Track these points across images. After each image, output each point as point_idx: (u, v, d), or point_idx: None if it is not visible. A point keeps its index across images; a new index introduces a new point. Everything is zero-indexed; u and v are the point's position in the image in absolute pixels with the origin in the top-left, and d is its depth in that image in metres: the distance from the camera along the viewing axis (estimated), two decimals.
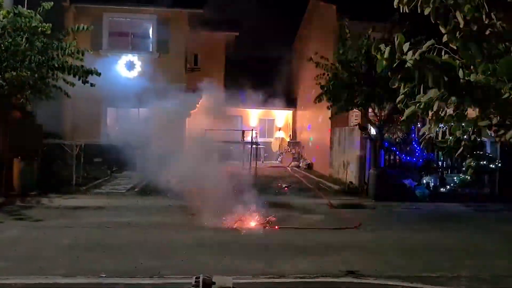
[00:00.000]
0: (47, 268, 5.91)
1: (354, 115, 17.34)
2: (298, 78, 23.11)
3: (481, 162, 12.58)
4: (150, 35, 18.51)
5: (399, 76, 2.95)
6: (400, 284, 5.63)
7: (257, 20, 22.57)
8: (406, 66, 2.92)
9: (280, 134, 24.31)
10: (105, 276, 5.64)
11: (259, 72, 22.10)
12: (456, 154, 3.62)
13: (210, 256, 6.76)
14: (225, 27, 21.74)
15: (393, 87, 3.14)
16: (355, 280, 5.75)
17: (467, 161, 3.70)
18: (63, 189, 12.08)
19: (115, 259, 6.46)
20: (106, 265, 6.13)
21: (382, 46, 2.93)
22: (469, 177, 12.99)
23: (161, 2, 16.99)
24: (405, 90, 3.86)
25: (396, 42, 2.89)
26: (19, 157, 11.52)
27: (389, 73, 2.99)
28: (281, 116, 24.73)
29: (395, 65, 2.91)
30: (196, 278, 5.06)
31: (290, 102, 23.39)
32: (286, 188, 13.73)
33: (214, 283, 4.87)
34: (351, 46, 12.12)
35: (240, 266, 6.29)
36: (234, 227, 8.79)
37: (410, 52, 3.00)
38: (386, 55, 2.89)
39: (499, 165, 12.87)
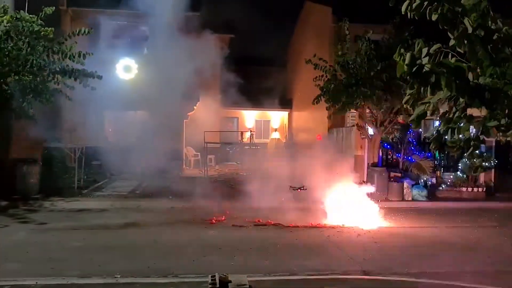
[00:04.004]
0: (61, 269, 6.01)
1: (350, 116, 17.56)
2: (293, 79, 23.31)
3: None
4: (147, 38, 18.60)
5: (418, 79, 3.12)
6: (408, 280, 5.82)
7: (252, 22, 22.70)
8: (423, 71, 3.10)
9: (276, 135, 24.48)
10: (120, 276, 5.76)
11: (254, 73, 22.24)
12: (468, 153, 3.79)
13: (219, 256, 6.89)
14: (221, 29, 21.83)
15: (411, 90, 3.31)
16: (365, 277, 5.92)
17: (477, 161, 3.88)
18: (65, 192, 12.16)
19: (127, 260, 6.57)
20: (119, 265, 6.24)
21: (403, 51, 3.10)
22: (465, 176, 13.27)
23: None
24: (412, 91, 4.05)
25: (417, 48, 3.06)
26: (21, 161, 11.57)
27: (408, 77, 3.16)
28: (277, 117, 24.92)
29: (414, 69, 3.08)
30: (212, 276, 5.20)
31: (286, 103, 23.58)
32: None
33: (230, 281, 5.03)
34: (349, 47, 12.34)
35: (250, 264, 6.43)
36: (239, 226, 8.93)
37: (427, 58, 3.18)
38: (407, 60, 3.06)
39: (494, 163, 13.12)
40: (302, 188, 11.38)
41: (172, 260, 6.61)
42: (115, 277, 5.76)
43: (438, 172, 13.79)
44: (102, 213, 10.14)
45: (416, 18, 3.74)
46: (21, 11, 10.77)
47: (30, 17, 10.67)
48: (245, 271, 5.92)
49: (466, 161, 12.54)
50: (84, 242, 7.53)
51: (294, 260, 6.70)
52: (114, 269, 6.05)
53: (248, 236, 8.27)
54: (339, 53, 12.37)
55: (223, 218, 9.56)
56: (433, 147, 4.29)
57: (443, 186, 13.30)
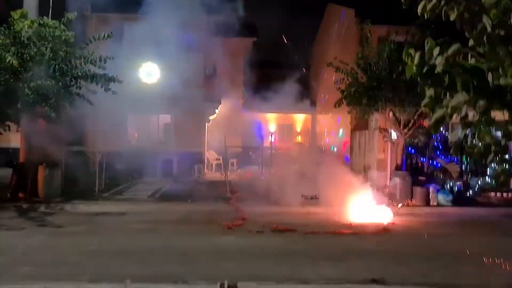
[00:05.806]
0: (73, 274, 5.98)
1: (374, 119, 17.18)
2: (317, 82, 23.06)
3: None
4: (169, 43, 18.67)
5: (429, 81, 2.91)
6: None
7: (275, 25, 22.62)
8: (436, 71, 2.89)
9: (299, 139, 24.26)
10: (130, 282, 5.68)
11: (277, 76, 22.10)
12: (488, 160, 3.54)
13: (233, 262, 6.74)
14: (244, 32, 21.78)
15: (424, 92, 3.10)
16: (383, 287, 5.67)
17: (498, 168, 3.62)
18: (86, 195, 12.30)
19: (140, 265, 6.50)
20: (131, 270, 6.16)
21: (411, 51, 2.90)
22: (494, 182, 12.76)
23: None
24: (431, 94, 3.81)
25: (426, 47, 2.86)
26: (44, 164, 11.75)
27: (418, 78, 2.96)
28: (300, 120, 24.69)
29: (425, 70, 2.87)
30: (221, 284, 5.12)
31: (309, 106, 23.31)
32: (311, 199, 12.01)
33: None
34: (371, 49, 12.07)
35: (264, 271, 6.27)
36: (256, 231, 8.78)
37: (440, 57, 2.97)
38: (416, 61, 2.85)
39: None
40: (315, 197, 11.12)
41: (185, 265, 6.51)
42: (125, 282, 5.68)
43: (466, 176, 13.31)
44: (120, 217, 10.17)
45: (430, 18, 3.52)
46: (44, 17, 10.97)
47: (53, 22, 10.85)
48: (258, 278, 5.79)
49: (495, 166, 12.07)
50: (99, 246, 7.53)
51: (309, 268, 6.50)
52: (127, 274, 5.95)
53: (264, 242, 8.11)
54: (360, 55, 12.11)
55: (240, 223, 9.43)
56: (453, 153, 4.03)
57: (471, 191, 12.83)
